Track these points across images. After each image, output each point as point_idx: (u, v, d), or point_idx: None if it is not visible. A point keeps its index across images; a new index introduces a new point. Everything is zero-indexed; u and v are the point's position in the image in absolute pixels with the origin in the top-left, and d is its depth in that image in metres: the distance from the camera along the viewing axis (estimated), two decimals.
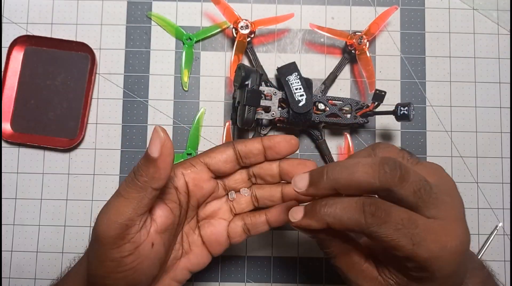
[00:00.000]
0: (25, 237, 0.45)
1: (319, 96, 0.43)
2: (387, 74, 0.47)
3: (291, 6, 0.47)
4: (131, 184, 0.29)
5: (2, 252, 0.44)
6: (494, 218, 0.45)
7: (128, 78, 0.46)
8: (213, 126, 0.46)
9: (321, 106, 0.43)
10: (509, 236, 0.45)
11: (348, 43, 0.45)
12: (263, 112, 0.42)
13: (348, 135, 0.45)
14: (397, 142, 0.46)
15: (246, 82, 0.39)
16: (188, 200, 0.34)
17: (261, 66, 0.46)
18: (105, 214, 0.29)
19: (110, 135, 0.46)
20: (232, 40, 0.46)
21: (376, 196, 0.29)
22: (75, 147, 0.45)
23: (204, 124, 0.46)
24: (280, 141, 0.34)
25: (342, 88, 0.46)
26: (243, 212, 0.36)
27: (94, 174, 0.45)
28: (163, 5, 0.47)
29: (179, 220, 0.33)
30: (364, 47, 0.44)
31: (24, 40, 0.45)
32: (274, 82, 0.45)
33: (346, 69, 0.46)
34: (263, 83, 0.43)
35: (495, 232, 0.45)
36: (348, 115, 0.43)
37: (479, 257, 0.44)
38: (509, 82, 0.47)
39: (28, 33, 0.46)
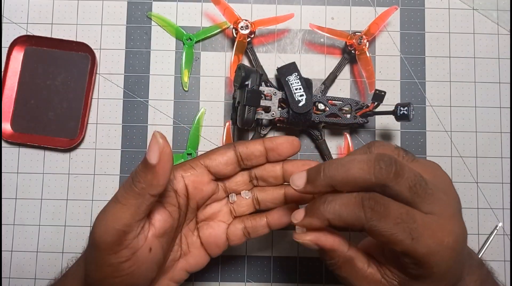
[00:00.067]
0: (25, 237, 0.45)
1: (319, 96, 0.43)
2: (387, 74, 0.47)
3: (291, 6, 0.47)
4: (129, 190, 0.29)
5: (2, 252, 0.45)
6: (494, 218, 0.45)
7: (128, 78, 0.46)
8: (213, 126, 0.46)
9: (321, 106, 0.43)
10: (509, 236, 0.45)
11: (348, 43, 0.45)
12: (263, 112, 0.42)
13: (348, 135, 0.45)
14: (397, 142, 0.46)
15: (246, 82, 0.40)
16: (188, 202, 0.33)
17: (261, 66, 0.46)
18: (102, 219, 0.29)
19: (110, 135, 0.46)
20: (232, 40, 0.46)
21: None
22: (75, 147, 0.45)
23: (204, 124, 0.46)
24: (283, 142, 0.33)
25: (342, 88, 0.46)
26: (243, 215, 0.36)
27: (94, 174, 0.45)
28: (163, 5, 0.47)
29: (178, 223, 0.33)
30: (364, 47, 0.44)
31: (24, 40, 0.45)
32: (274, 82, 0.45)
33: (346, 69, 0.47)
34: (263, 83, 0.43)
35: (495, 232, 0.45)
36: (348, 115, 0.43)
37: (479, 257, 0.44)
38: (509, 82, 0.47)
39: (28, 33, 0.46)
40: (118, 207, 0.29)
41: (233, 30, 0.44)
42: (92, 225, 0.44)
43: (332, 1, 0.47)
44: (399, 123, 0.46)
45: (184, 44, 0.46)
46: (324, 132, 0.46)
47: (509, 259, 0.45)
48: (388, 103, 0.45)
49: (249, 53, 0.45)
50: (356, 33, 0.44)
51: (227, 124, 0.45)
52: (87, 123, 0.45)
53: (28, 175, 0.45)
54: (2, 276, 0.44)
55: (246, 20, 0.44)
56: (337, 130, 0.46)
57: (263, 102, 0.42)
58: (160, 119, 0.46)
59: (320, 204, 0.28)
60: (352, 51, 0.45)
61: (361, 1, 0.47)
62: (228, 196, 0.36)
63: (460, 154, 0.46)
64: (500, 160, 0.46)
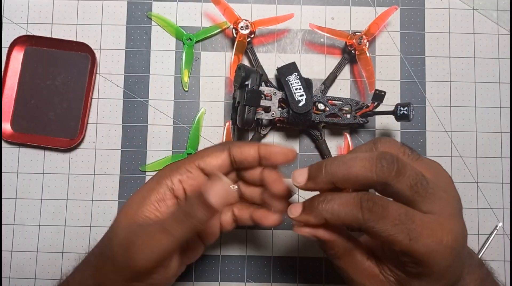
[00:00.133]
0: (25, 237, 0.45)
1: (319, 96, 0.43)
2: (387, 74, 0.47)
3: (291, 6, 0.47)
4: (181, 224, 0.28)
5: (2, 252, 0.44)
6: (494, 218, 0.45)
7: (128, 78, 0.46)
8: (213, 126, 0.46)
9: (321, 106, 0.43)
10: (509, 236, 0.45)
11: (348, 43, 0.45)
12: (263, 112, 0.42)
13: (348, 135, 0.45)
14: None
15: (246, 82, 0.40)
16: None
17: (261, 66, 0.46)
18: (145, 246, 0.28)
19: (111, 135, 0.46)
20: (232, 40, 0.46)
21: (374, 191, 0.30)
22: (75, 147, 0.45)
23: (204, 124, 0.46)
24: (277, 153, 0.32)
25: (342, 88, 0.46)
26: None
27: (94, 174, 0.45)
28: (163, 5, 0.47)
29: None
30: (364, 47, 0.44)
31: (24, 40, 0.45)
32: (274, 82, 0.45)
33: (346, 69, 0.47)
34: (263, 83, 0.43)
35: (495, 232, 0.45)
36: (348, 115, 0.43)
37: (479, 257, 0.44)
38: (509, 82, 0.47)
39: (28, 33, 0.46)
40: (165, 236, 0.28)
41: (233, 30, 0.44)
42: (92, 224, 0.45)
43: (332, 1, 0.47)
44: (399, 123, 0.46)
45: (184, 44, 0.46)
46: (324, 132, 0.46)
47: (509, 259, 0.45)
48: (388, 103, 0.45)
49: (249, 53, 0.45)
50: (356, 33, 0.44)
51: (227, 124, 0.45)
52: (87, 123, 0.45)
53: (28, 175, 0.45)
54: (2, 276, 0.44)
55: (246, 20, 0.44)
56: (337, 130, 0.46)
57: (263, 102, 0.42)
58: (160, 119, 0.46)
59: (319, 203, 0.28)
60: (352, 51, 0.45)
61: (361, 1, 0.47)
62: None
63: (460, 154, 0.46)
64: (500, 160, 0.46)
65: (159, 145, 0.46)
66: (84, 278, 0.33)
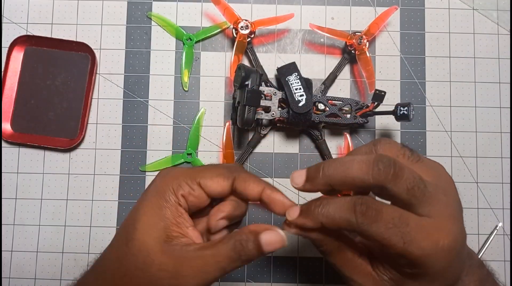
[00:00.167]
0: (25, 237, 0.45)
1: (319, 96, 0.43)
2: (387, 74, 0.47)
3: (291, 6, 0.47)
4: (235, 262, 0.28)
5: (2, 252, 0.44)
6: (494, 218, 0.45)
7: (128, 78, 0.46)
8: (213, 126, 0.46)
9: (321, 106, 0.43)
10: (509, 236, 0.45)
11: (348, 43, 0.45)
12: (263, 112, 0.42)
13: (348, 135, 0.45)
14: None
15: (246, 82, 0.40)
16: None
17: (261, 66, 0.46)
18: (199, 278, 0.28)
19: (111, 135, 0.46)
20: (232, 40, 0.46)
21: (372, 193, 0.30)
22: (75, 147, 0.45)
23: (204, 124, 0.46)
24: (278, 203, 0.31)
25: (342, 88, 0.46)
26: None
27: (94, 174, 0.45)
28: (163, 5, 0.47)
29: None
30: (364, 47, 0.44)
31: (24, 40, 0.45)
32: (274, 82, 0.45)
33: (346, 69, 0.47)
34: (263, 83, 0.43)
35: (495, 232, 0.45)
36: (348, 115, 0.43)
37: (479, 257, 0.44)
38: (509, 82, 0.47)
39: (28, 33, 0.46)
40: (218, 272, 0.28)
41: (233, 30, 0.44)
42: (92, 224, 0.45)
43: (332, 1, 0.47)
44: (399, 123, 0.46)
45: (184, 44, 0.46)
46: (324, 132, 0.46)
47: (509, 259, 0.45)
48: (388, 103, 0.45)
49: (249, 53, 0.45)
50: (356, 33, 0.44)
51: (227, 124, 0.45)
52: (87, 123, 0.45)
53: (28, 175, 0.45)
54: (2, 276, 0.44)
55: (246, 20, 0.44)
56: (337, 130, 0.46)
57: (263, 102, 0.42)
58: (160, 119, 0.46)
59: (315, 207, 0.29)
60: (352, 51, 0.45)
61: (361, 1, 0.47)
62: None
63: (460, 154, 0.46)
64: (500, 160, 0.46)
65: (159, 145, 0.46)
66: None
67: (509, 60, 0.47)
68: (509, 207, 0.45)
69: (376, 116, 0.46)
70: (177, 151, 0.46)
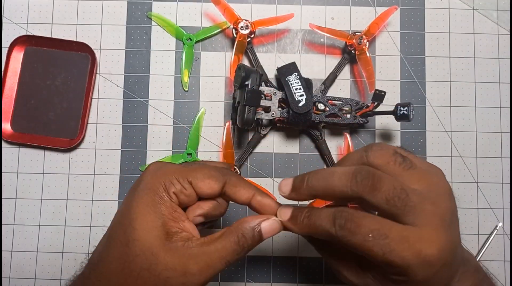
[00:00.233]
0: (25, 237, 0.45)
1: (319, 96, 0.43)
2: (387, 74, 0.47)
3: (291, 6, 0.47)
4: (238, 254, 0.30)
5: (2, 252, 0.44)
6: (494, 218, 0.45)
7: (128, 78, 0.46)
8: (213, 126, 0.46)
9: (321, 106, 0.43)
10: (509, 236, 0.45)
11: (348, 43, 0.45)
12: (263, 112, 0.42)
13: (348, 135, 0.45)
14: (397, 142, 0.46)
15: (246, 82, 0.40)
16: None
17: (261, 66, 0.46)
18: (205, 273, 0.29)
19: (110, 135, 0.46)
20: (232, 40, 0.46)
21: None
22: (75, 147, 0.45)
23: (204, 124, 0.46)
24: (268, 208, 0.32)
25: (342, 88, 0.46)
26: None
27: (94, 174, 0.45)
28: (163, 5, 0.47)
29: None
30: (364, 47, 0.44)
31: (24, 40, 0.45)
32: (274, 82, 0.45)
33: (346, 69, 0.46)
34: (263, 83, 0.43)
35: (495, 232, 0.45)
36: (348, 115, 0.43)
37: (478, 257, 0.44)
38: (509, 82, 0.47)
39: (28, 33, 0.46)
40: (223, 265, 0.30)
41: (233, 30, 0.44)
42: (92, 224, 0.45)
43: (332, 1, 0.47)
44: (399, 123, 0.46)
45: (184, 44, 0.46)
46: (324, 132, 0.46)
47: (509, 259, 0.45)
48: (388, 103, 0.45)
49: (249, 53, 0.45)
50: (356, 33, 0.44)
51: (227, 124, 0.45)
52: (87, 123, 0.45)
53: (28, 175, 0.45)
54: (2, 276, 0.44)
55: (246, 20, 0.44)
56: (337, 130, 0.46)
57: (263, 102, 0.42)
58: (160, 119, 0.46)
59: (301, 217, 0.30)
60: (352, 51, 0.45)
61: (361, 1, 0.47)
62: None
63: (460, 154, 0.46)
64: (500, 160, 0.46)
65: (159, 145, 0.46)
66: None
67: (509, 60, 0.47)
68: (509, 207, 0.45)
69: (376, 116, 0.46)
70: (177, 151, 0.46)
